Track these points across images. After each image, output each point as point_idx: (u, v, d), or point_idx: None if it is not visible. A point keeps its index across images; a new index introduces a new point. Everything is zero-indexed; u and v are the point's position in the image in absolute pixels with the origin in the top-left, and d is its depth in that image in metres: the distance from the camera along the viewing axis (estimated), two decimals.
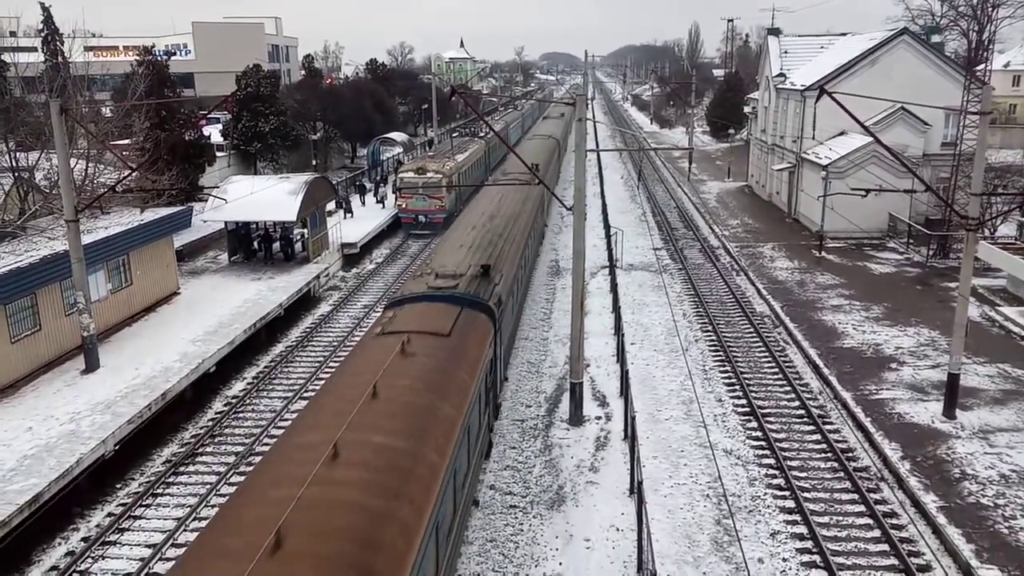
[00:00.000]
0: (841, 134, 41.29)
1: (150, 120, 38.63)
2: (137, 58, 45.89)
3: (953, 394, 20.37)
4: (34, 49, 55.71)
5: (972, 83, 35.92)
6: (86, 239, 23.31)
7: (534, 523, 16.58)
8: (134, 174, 26.83)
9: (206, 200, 34.45)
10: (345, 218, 44.04)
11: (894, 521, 16.38)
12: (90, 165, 30.74)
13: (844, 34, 53.38)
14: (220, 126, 59.92)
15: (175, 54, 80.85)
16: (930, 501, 16.64)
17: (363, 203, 49.82)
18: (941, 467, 17.98)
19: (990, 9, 37.45)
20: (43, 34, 60.66)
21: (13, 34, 58.30)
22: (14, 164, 28.51)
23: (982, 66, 37.80)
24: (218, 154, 51.94)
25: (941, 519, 16.00)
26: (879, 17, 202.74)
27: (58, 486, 16.60)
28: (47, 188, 28.69)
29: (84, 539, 16.57)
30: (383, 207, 49.02)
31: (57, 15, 60.77)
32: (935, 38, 44.64)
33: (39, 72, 39.96)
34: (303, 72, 77.81)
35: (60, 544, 16.41)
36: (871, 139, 25.21)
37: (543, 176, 33.65)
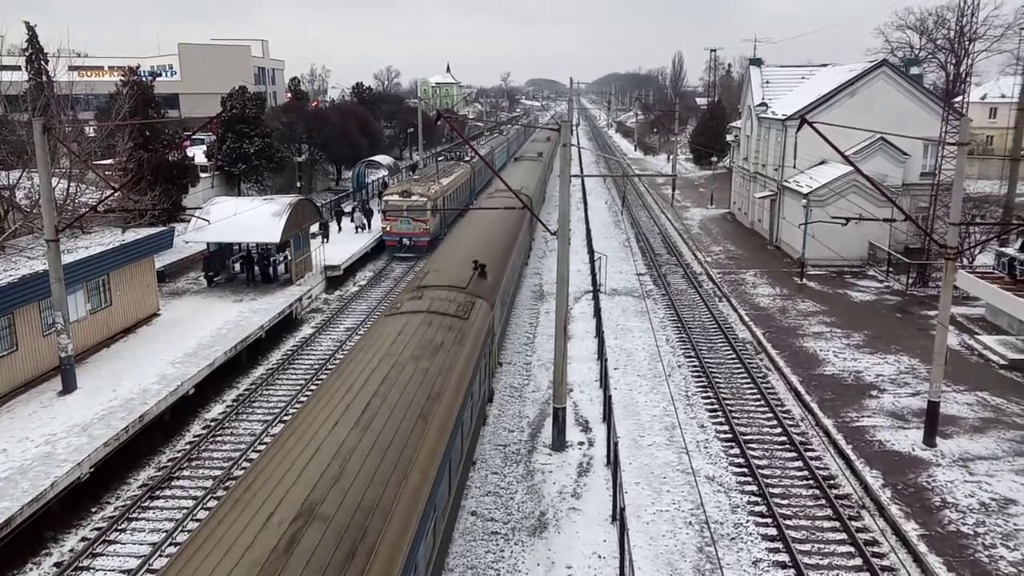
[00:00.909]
0: (822, 163, 41.82)
1: (134, 140, 38.49)
2: (122, 78, 45.79)
3: (933, 422, 20.48)
4: (18, 68, 55.44)
5: (950, 114, 36.51)
6: (66, 259, 23.09)
7: (515, 550, 16.43)
8: (116, 194, 26.68)
9: (189, 221, 34.26)
10: (322, 243, 42.89)
11: (875, 549, 16.38)
12: (72, 185, 30.55)
13: (825, 65, 54.27)
14: (204, 147, 59.73)
15: (161, 75, 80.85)
16: (911, 529, 16.67)
17: (340, 228, 48.52)
18: (922, 495, 18.04)
19: (967, 43, 38.19)
20: (27, 53, 60.48)
21: None
22: None
23: (960, 98, 38.46)
24: (202, 175, 51.70)
25: (922, 547, 16.02)
26: (860, 48, 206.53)
27: (31, 510, 16.29)
28: (28, 207, 28.46)
29: (56, 564, 16.24)
30: (358, 232, 47.52)
31: (42, 34, 60.80)
32: (914, 70, 45.50)
33: (22, 91, 39.77)
34: (289, 94, 77.99)
35: (32, 569, 16.07)
36: (851, 168, 25.56)
37: (493, 283, 22.63)
